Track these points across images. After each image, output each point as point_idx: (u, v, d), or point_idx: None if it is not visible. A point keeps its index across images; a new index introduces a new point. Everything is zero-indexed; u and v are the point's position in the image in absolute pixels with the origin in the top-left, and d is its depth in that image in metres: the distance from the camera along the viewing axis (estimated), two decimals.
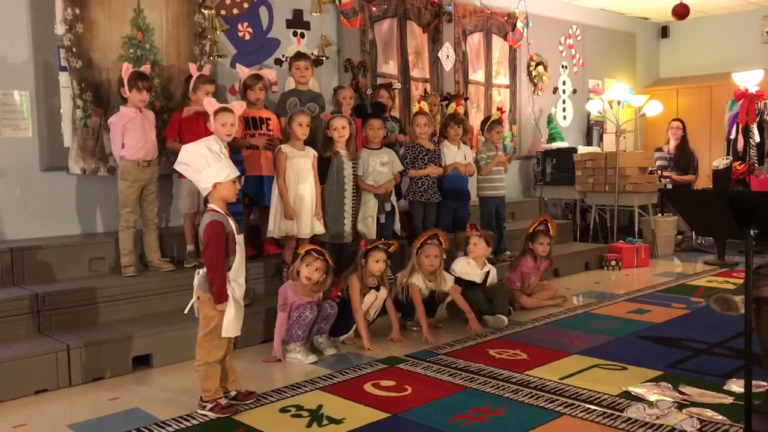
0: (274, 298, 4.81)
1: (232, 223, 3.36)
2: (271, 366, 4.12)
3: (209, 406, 3.34)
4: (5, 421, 3.33)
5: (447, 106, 7.07)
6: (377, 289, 4.53)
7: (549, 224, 5.56)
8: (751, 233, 2.62)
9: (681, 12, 8.09)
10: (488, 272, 5.16)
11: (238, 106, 4.47)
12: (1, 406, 3.51)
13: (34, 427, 3.25)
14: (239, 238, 3.38)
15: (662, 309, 5.32)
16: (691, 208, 3.03)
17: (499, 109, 6.78)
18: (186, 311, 3.43)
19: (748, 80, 8.05)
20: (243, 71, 5.30)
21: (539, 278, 5.70)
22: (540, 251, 5.49)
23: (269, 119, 5.24)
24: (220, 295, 3.28)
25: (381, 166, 5.35)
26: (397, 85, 6.78)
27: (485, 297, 5.03)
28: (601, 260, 7.21)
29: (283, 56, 6.11)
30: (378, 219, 5.32)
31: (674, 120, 8.74)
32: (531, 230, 5.55)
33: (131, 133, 4.59)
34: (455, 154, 5.92)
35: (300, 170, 4.86)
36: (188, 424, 3.23)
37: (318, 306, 4.26)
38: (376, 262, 4.45)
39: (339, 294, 4.50)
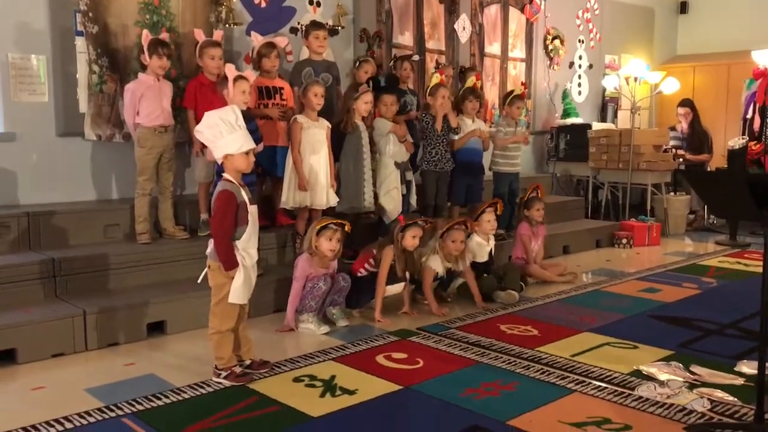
0: (286, 269, 4.86)
1: (244, 193, 3.37)
2: (283, 335, 4.16)
3: (224, 374, 3.38)
4: (24, 383, 3.39)
5: (461, 78, 7.03)
6: (403, 279, 4.56)
7: (539, 190, 5.67)
8: None
9: None
10: (492, 248, 5.21)
11: (250, 75, 4.47)
12: (19, 369, 3.57)
13: (52, 391, 3.30)
14: (252, 209, 3.39)
15: (673, 288, 5.33)
16: (711, 189, 3.02)
17: (523, 84, 6.70)
18: (199, 281, 3.45)
19: (767, 59, 7.94)
20: (257, 39, 5.27)
21: (543, 248, 5.71)
22: (536, 216, 5.58)
23: (282, 89, 5.22)
24: (227, 262, 3.30)
25: (395, 139, 5.34)
26: (417, 56, 6.72)
27: (496, 275, 5.07)
28: (612, 238, 7.20)
29: (298, 24, 6.06)
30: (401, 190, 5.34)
31: (680, 105, 8.58)
32: (525, 198, 5.66)
33: (147, 100, 4.59)
34: (470, 128, 5.88)
35: (315, 141, 4.85)
36: (203, 391, 3.27)
37: (332, 278, 4.28)
38: (413, 238, 4.48)
39: (366, 265, 4.51)
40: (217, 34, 5.10)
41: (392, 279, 4.50)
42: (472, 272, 4.89)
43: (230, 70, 4.30)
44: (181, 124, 5.03)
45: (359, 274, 4.53)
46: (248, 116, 4.29)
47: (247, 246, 3.37)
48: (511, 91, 6.42)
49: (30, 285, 4.07)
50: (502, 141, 6.16)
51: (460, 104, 5.97)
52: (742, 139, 7.67)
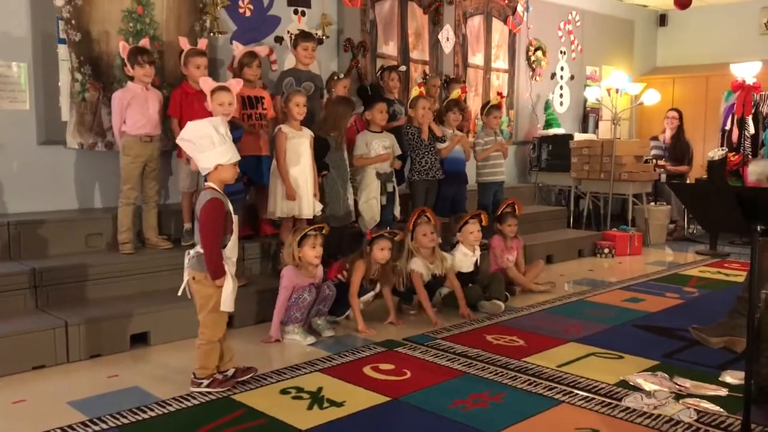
0: (270, 278, 4.84)
1: (228, 203, 3.36)
2: (269, 346, 4.12)
3: (206, 381, 3.34)
4: (4, 397, 3.31)
5: (446, 88, 7.05)
6: (374, 288, 4.55)
7: (515, 206, 5.66)
8: (758, 229, 2.63)
9: (683, 1, 8.08)
10: (477, 258, 5.20)
11: (235, 84, 4.43)
12: None
13: (33, 404, 3.24)
14: (235, 218, 3.39)
15: (656, 298, 5.37)
16: (698, 201, 3.05)
17: (499, 94, 6.76)
18: (179, 293, 3.39)
19: (745, 71, 8.07)
20: (238, 48, 5.24)
21: (522, 259, 5.72)
22: (508, 232, 5.59)
23: (263, 98, 5.19)
24: (216, 271, 3.27)
25: (384, 149, 5.37)
26: (403, 67, 6.74)
27: (481, 285, 5.07)
28: (595, 248, 7.25)
29: (288, 32, 6.04)
30: (380, 200, 5.33)
31: (671, 110, 8.78)
32: (499, 212, 5.65)
33: (133, 109, 4.55)
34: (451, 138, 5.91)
35: (298, 151, 4.83)
36: (188, 404, 3.23)
37: (317, 288, 4.26)
38: (381, 250, 4.44)
39: (338, 276, 4.50)
40: (202, 43, 5.06)
41: (362, 290, 4.50)
42: (455, 278, 4.87)
43: (205, 84, 4.24)
44: (165, 132, 4.99)
45: (333, 282, 4.52)
46: (235, 125, 4.27)
47: (231, 254, 3.38)
48: (488, 102, 6.47)
49: (10, 295, 4.00)
50: (481, 154, 6.18)
51: (443, 115, 6.00)
52: (722, 150, 7.78)
